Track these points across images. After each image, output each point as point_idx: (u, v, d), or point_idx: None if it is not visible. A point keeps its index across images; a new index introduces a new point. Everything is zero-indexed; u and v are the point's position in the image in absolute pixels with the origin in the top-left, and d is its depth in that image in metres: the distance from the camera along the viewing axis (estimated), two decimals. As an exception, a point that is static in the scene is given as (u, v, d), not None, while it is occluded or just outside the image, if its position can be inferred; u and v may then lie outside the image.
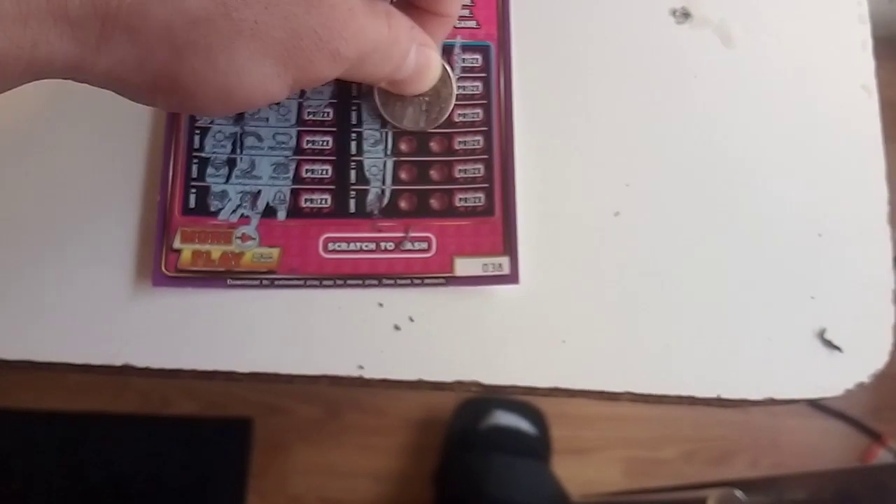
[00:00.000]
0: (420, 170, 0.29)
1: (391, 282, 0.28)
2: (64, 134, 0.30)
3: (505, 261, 0.29)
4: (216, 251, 0.28)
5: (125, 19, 0.19)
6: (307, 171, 0.29)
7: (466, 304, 0.29)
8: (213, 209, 0.28)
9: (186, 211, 0.28)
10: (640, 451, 0.95)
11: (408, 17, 0.25)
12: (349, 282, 0.28)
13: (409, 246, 0.29)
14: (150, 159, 0.30)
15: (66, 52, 0.19)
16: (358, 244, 0.29)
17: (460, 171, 0.29)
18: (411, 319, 0.29)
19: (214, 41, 0.20)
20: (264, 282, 0.28)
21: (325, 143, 0.29)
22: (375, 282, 0.28)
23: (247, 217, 0.29)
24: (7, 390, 0.93)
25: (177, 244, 0.28)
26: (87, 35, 0.19)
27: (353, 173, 0.29)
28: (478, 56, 0.30)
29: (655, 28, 0.32)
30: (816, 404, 0.95)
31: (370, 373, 0.28)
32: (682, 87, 0.31)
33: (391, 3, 0.26)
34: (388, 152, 0.29)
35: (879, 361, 0.29)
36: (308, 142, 0.29)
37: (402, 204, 0.29)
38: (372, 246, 0.29)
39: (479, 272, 0.29)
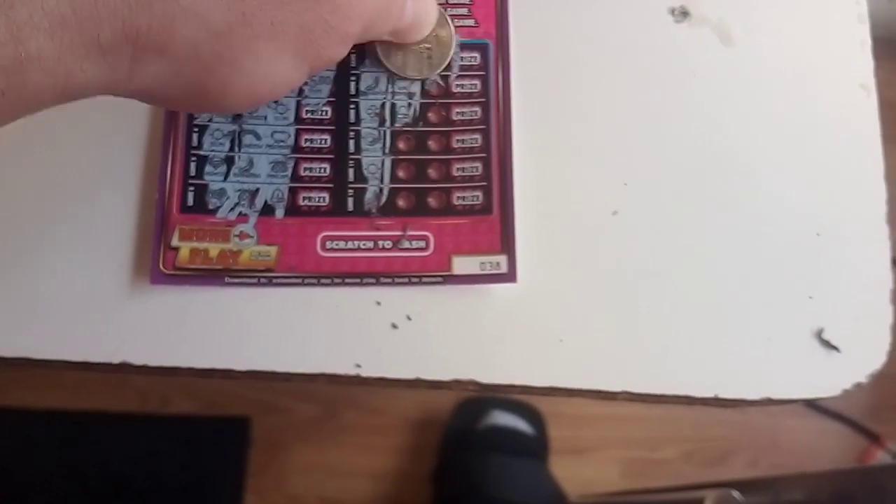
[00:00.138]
0: (418, 168, 0.29)
1: (389, 280, 0.28)
2: (62, 131, 0.30)
3: (503, 259, 0.29)
4: (214, 249, 0.28)
5: (154, 41, 0.20)
6: (305, 169, 0.29)
7: (464, 302, 0.29)
8: (211, 207, 0.28)
9: (184, 209, 0.28)
10: (638, 451, 0.95)
11: None
12: (347, 280, 0.28)
13: (406, 244, 0.29)
14: (149, 157, 0.30)
15: (99, 78, 0.20)
16: (356, 242, 0.29)
17: (458, 169, 0.29)
18: (409, 318, 0.29)
19: (238, 49, 0.21)
20: (262, 280, 0.28)
21: (323, 142, 0.29)
22: (373, 280, 0.28)
23: (245, 215, 0.29)
24: (4, 388, 0.93)
25: (175, 242, 0.28)
26: (119, 60, 0.20)
27: (351, 172, 0.29)
28: (476, 54, 0.30)
29: (654, 27, 0.32)
30: (814, 405, 0.95)
31: (367, 371, 0.28)
32: (681, 86, 0.31)
33: None
34: (387, 150, 0.29)
35: (877, 362, 0.29)
36: (306, 140, 0.29)
37: (400, 202, 0.29)
38: (370, 244, 0.29)
39: (476, 271, 0.29)
